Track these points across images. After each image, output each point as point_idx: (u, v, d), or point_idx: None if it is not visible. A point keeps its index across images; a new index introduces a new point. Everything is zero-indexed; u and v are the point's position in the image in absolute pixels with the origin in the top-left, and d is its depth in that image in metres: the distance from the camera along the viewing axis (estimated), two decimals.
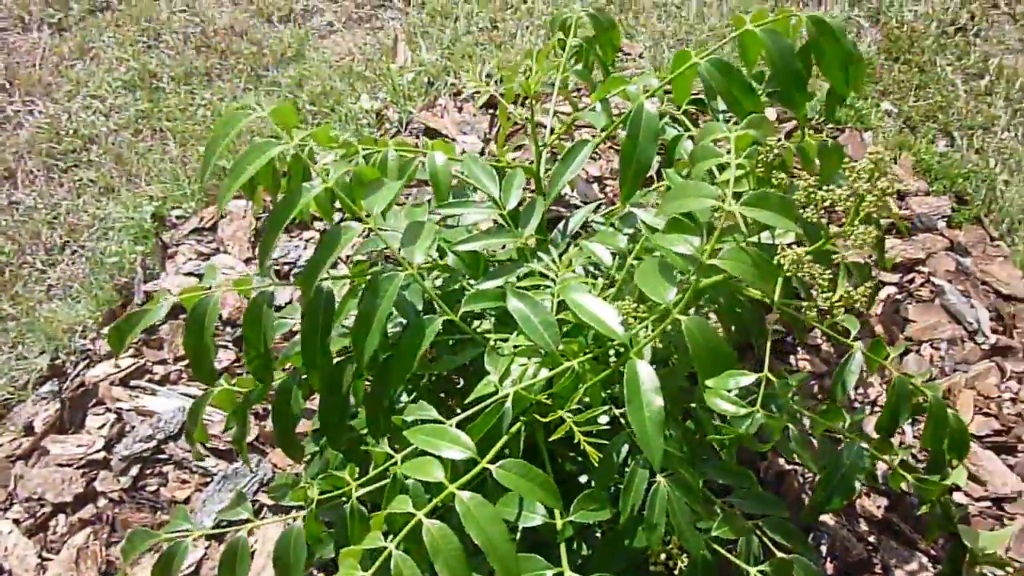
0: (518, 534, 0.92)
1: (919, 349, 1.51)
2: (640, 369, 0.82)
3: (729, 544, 0.97)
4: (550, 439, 0.86)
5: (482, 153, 1.87)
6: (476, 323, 1.09)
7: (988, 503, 1.31)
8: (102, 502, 1.39)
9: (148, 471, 1.42)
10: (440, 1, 2.29)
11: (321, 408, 1.01)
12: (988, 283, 1.58)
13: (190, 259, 1.72)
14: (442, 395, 1.13)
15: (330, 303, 0.92)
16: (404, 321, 0.99)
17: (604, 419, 0.92)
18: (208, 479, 1.40)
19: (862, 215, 0.85)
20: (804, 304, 0.92)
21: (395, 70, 2.09)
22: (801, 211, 0.89)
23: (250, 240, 1.74)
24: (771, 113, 1.89)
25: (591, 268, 1.10)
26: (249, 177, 0.87)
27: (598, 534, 1.02)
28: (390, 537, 0.74)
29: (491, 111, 1.97)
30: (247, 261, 1.70)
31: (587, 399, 0.89)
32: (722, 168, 0.87)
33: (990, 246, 1.65)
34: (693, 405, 1.03)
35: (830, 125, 1.88)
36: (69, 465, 1.42)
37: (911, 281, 1.60)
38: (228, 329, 1.59)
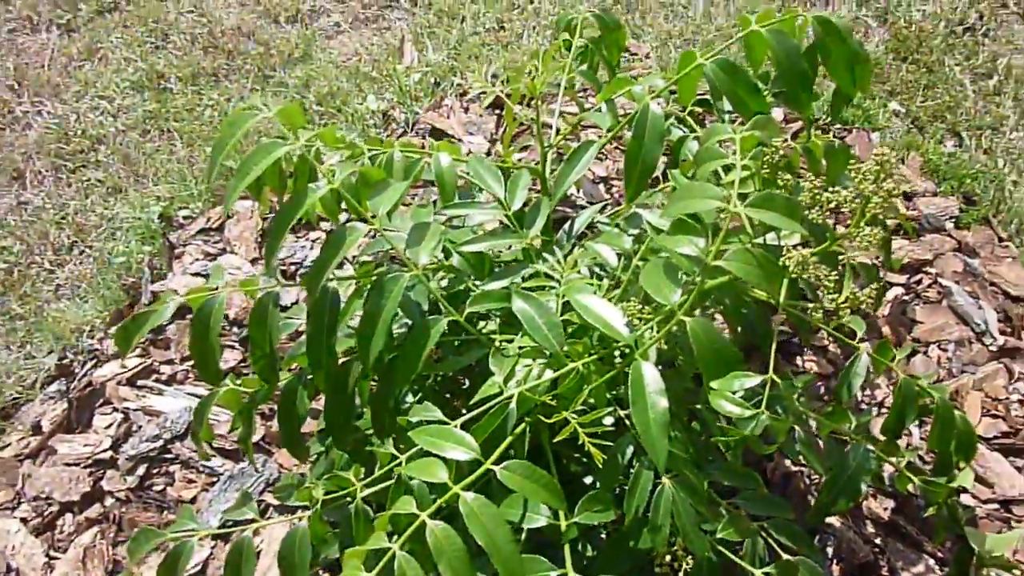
0: (523, 535, 0.92)
1: (926, 350, 1.50)
2: (645, 371, 0.81)
3: (734, 546, 0.97)
4: (554, 440, 0.86)
5: (488, 153, 1.88)
6: (481, 324, 1.09)
7: (996, 505, 1.30)
8: (109, 501, 1.39)
9: (155, 471, 1.43)
10: (447, 1, 2.29)
11: (327, 408, 1.01)
12: (996, 284, 1.58)
13: (197, 259, 1.73)
14: (448, 396, 1.14)
15: (336, 303, 0.92)
16: (410, 322, 0.99)
17: (609, 420, 0.92)
18: (214, 479, 1.40)
19: (868, 216, 0.84)
20: (810, 305, 0.92)
21: (401, 71, 2.10)
22: (807, 212, 0.88)
23: (257, 240, 1.75)
24: (777, 114, 1.88)
25: (596, 269, 1.10)
26: (255, 177, 0.87)
27: (603, 535, 1.02)
28: (394, 538, 0.74)
29: (497, 111, 1.98)
30: (253, 261, 1.71)
31: (592, 400, 0.89)
32: (728, 169, 0.86)
33: (998, 247, 1.65)
34: (699, 406, 1.03)
35: (837, 125, 1.88)
36: (76, 464, 1.42)
37: (918, 282, 1.59)
38: (235, 329, 1.60)
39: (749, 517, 1.00)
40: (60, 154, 2.00)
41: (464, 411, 0.88)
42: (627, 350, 0.90)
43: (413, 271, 0.89)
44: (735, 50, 1.87)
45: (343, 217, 1.05)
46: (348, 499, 0.88)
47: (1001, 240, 1.66)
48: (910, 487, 1.05)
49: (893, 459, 1.05)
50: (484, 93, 1.95)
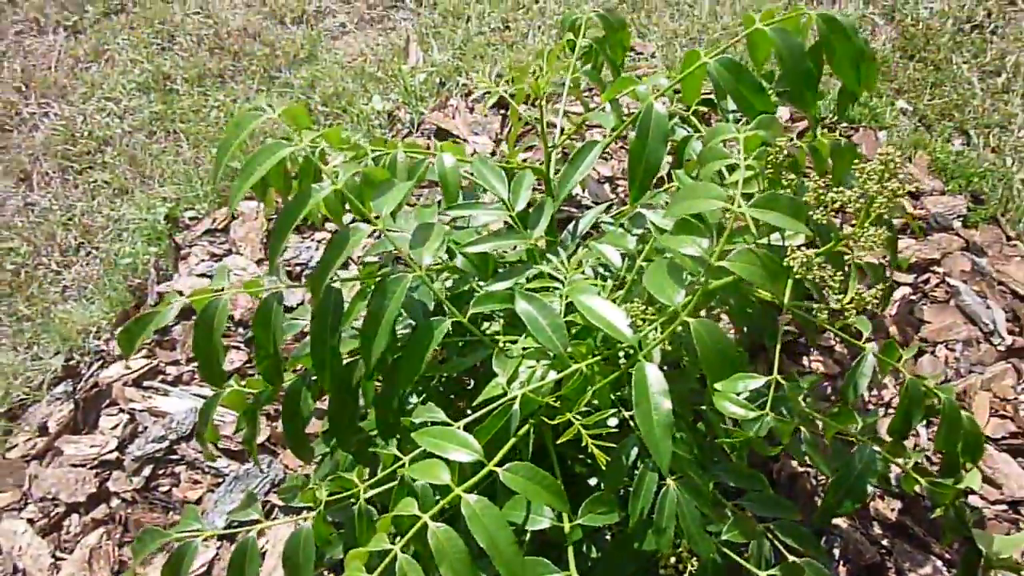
0: (527, 536, 0.91)
1: (934, 350, 1.49)
2: (648, 372, 0.81)
3: (740, 547, 0.96)
4: (558, 442, 0.86)
5: (493, 154, 1.87)
6: (486, 325, 1.08)
7: (1004, 506, 1.29)
8: (115, 502, 1.40)
9: (160, 471, 1.43)
10: (452, 1, 2.29)
11: (330, 409, 1.01)
12: (1004, 283, 1.56)
13: (203, 260, 1.73)
14: (452, 397, 1.13)
15: (339, 304, 0.92)
16: (414, 323, 0.99)
17: (613, 422, 0.92)
18: (220, 480, 1.41)
19: (873, 216, 0.84)
20: (815, 306, 0.92)
21: (407, 71, 2.10)
22: (811, 212, 0.88)
23: (262, 241, 1.75)
24: (784, 113, 1.88)
25: (600, 270, 1.09)
26: (260, 178, 0.87)
27: (607, 537, 1.02)
28: (397, 539, 0.74)
29: (502, 112, 1.97)
30: (259, 262, 1.71)
31: (596, 401, 0.88)
32: (731, 169, 0.86)
33: (1007, 246, 1.63)
34: (703, 407, 1.02)
35: (844, 124, 1.87)
36: (82, 465, 1.43)
37: (926, 281, 1.58)
38: (240, 330, 1.60)
39: (755, 518, 0.99)
40: (67, 155, 2.00)
41: (468, 412, 0.88)
42: (631, 351, 0.90)
43: (416, 272, 0.89)
44: (740, 49, 1.86)
45: (347, 218, 1.05)
46: (352, 500, 0.88)
47: (1009, 239, 1.65)
48: (917, 488, 1.05)
49: (900, 460, 1.04)
50: (489, 93, 1.95)
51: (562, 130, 1.34)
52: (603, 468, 0.84)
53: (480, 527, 0.73)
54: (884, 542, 1.26)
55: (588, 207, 1.70)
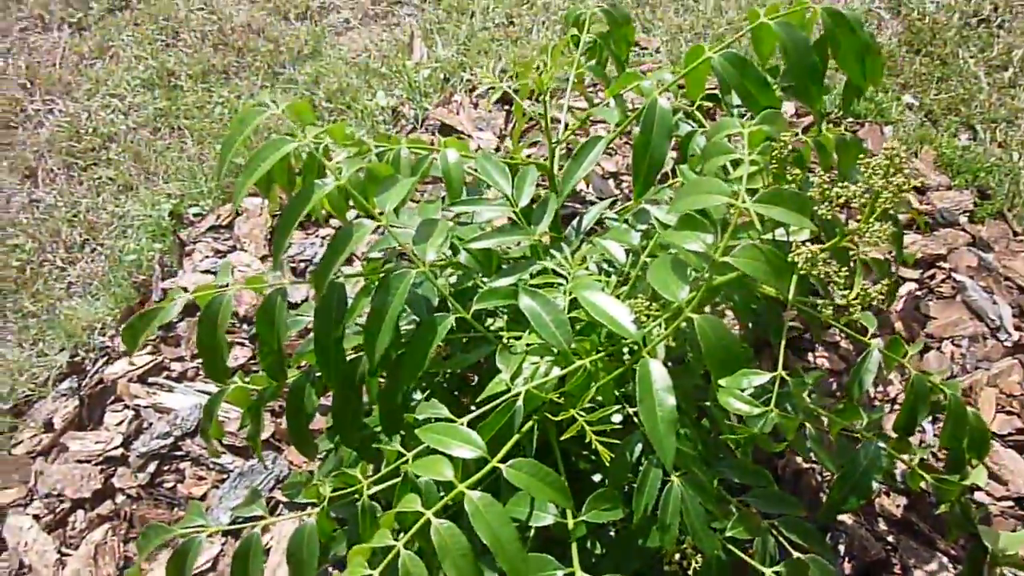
0: (531, 533, 0.91)
1: (940, 346, 1.48)
2: (652, 368, 0.81)
3: (744, 544, 0.96)
4: (562, 438, 0.86)
5: (498, 149, 1.87)
6: (489, 321, 1.08)
7: (1010, 503, 1.29)
8: (120, 498, 1.40)
9: (165, 468, 1.43)
10: None
11: (334, 405, 1.01)
12: (1011, 279, 1.56)
13: (207, 256, 1.73)
14: (456, 393, 1.13)
15: (343, 300, 0.92)
16: (417, 319, 0.99)
17: (617, 418, 0.92)
18: (225, 476, 1.41)
19: (878, 212, 0.83)
20: (820, 302, 0.91)
21: (411, 67, 2.09)
22: (816, 208, 0.87)
23: (266, 238, 1.75)
24: (789, 108, 1.87)
25: (605, 265, 1.09)
26: (264, 173, 0.87)
27: (612, 533, 1.01)
28: (400, 536, 0.74)
29: (507, 107, 1.97)
30: (263, 259, 1.71)
31: (600, 398, 0.88)
32: (736, 164, 0.85)
33: (1013, 241, 1.63)
34: (708, 404, 1.02)
35: (850, 119, 1.86)
36: (88, 461, 1.43)
37: (932, 277, 1.57)
38: (244, 326, 1.60)
39: (760, 515, 0.99)
40: (72, 152, 2.00)
41: (472, 408, 0.88)
42: (635, 347, 0.90)
43: (420, 268, 0.89)
44: (744, 44, 1.85)
45: (352, 214, 1.05)
46: (355, 496, 0.88)
47: (1016, 234, 1.64)
48: (923, 485, 1.04)
49: (905, 456, 1.04)
50: (492, 89, 1.95)
51: (566, 126, 1.33)
52: (607, 464, 0.84)
53: (483, 523, 0.73)
54: (889, 538, 1.26)
55: (592, 203, 1.70)
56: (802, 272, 0.82)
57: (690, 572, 0.90)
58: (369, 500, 0.88)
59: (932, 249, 1.60)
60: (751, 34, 0.98)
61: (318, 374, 1.02)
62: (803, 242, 0.83)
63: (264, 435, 1.42)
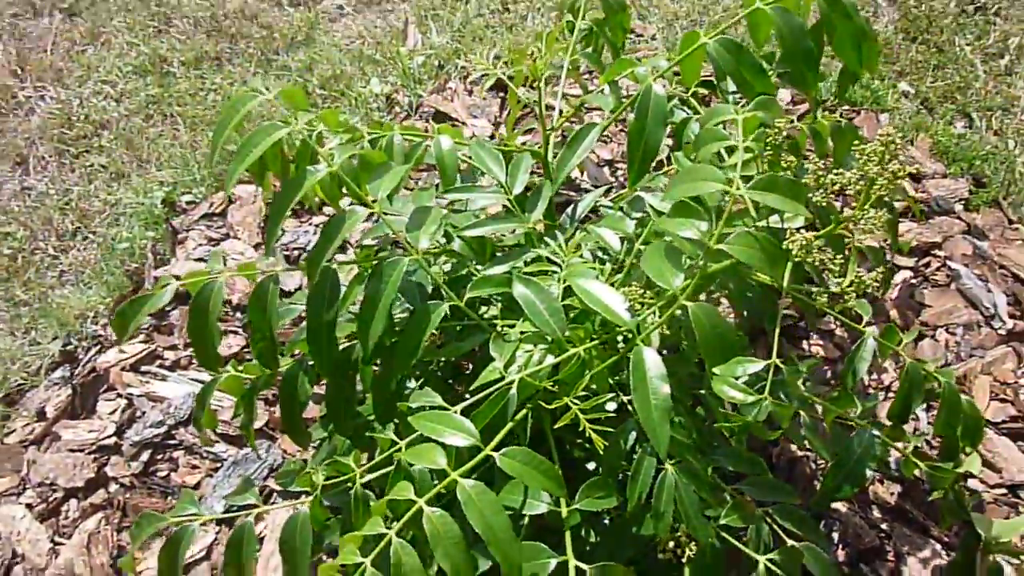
0: (525, 521, 0.91)
1: (934, 334, 1.48)
2: (646, 356, 0.80)
3: (738, 532, 0.96)
4: (556, 426, 0.85)
5: (492, 137, 1.86)
6: (484, 309, 1.08)
7: (1003, 490, 1.29)
8: (113, 487, 1.40)
9: (159, 456, 1.43)
10: None
11: (328, 393, 1.01)
12: (1006, 267, 1.56)
13: (200, 244, 1.72)
14: (450, 381, 1.13)
15: (336, 287, 0.91)
16: (411, 307, 0.98)
17: (611, 406, 0.91)
18: (218, 464, 1.41)
19: (873, 199, 0.83)
20: (815, 289, 0.91)
21: (405, 53, 2.08)
22: (811, 194, 0.87)
23: (259, 225, 1.74)
24: (786, 95, 1.86)
25: (599, 253, 1.09)
26: (255, 159, 0.87)
27: (606, 521, 1.01)
28: (392, 524, 0.74)
29: (502, 94, 1.96)
30: (257, 246, 1.70)
31: (594, 386, 0.88)
32: (730, 151, 0.85)
33: (1008, 229, 1.63)
34: (703, 391, 1.02)
35: (846, 107, 1.86)
36: (80, 450, 1.43)
37: (927, 265, 1.57)
38: (238, 315, 1.59)
39: (754, 503, 0.99)
40: (63, 139, 1.99)
41: (467, 397, 0.88)
42: (629, 335, 0.89)
43: (413, 255, 0.89)
44: (740, 31, 1.84)
45: (346, 202, 1.04)
46: (348, 485, 0.88)
47: (1011, 222, 1.64)
48: (916, 472, 1.04)
49: (899, 444, 1.03)
50: (486, 75, 1.93)
51: (561, 113, 1.32)
52: (601, 453, 0.84)
53: (476, 512, 0.73)
54: (883, 526, 1.26)
55: (587, 190, 1.69)
56: (797, 260, 0.82)
57: (684, 560, 0.90)
58: (362, 488, 0.87)
59: (927, 237, 1.60)
60: (747, 20, 0.98)
61: (311, 362, 1.01)
62: (798, 229, 0.83)
63: (258, 424, 1.42)
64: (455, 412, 0.84)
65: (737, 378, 0.83)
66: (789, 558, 0.94)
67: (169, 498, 1.38)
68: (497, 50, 2.06)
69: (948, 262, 1.56)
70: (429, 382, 1.08)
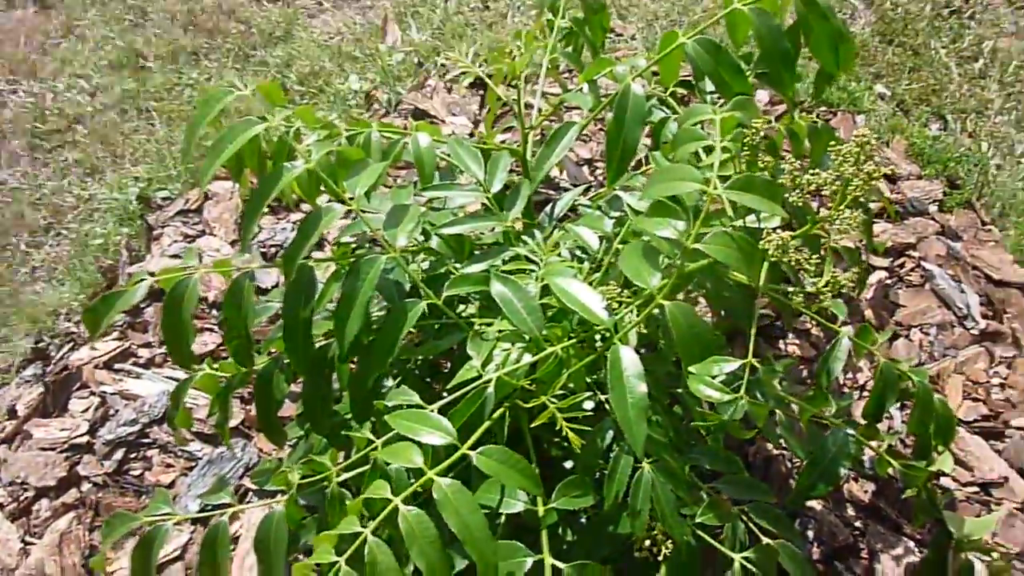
0: (502, 519, 0.91)
1: (908, 334, 1.50)
2: (623, 355, 0.81)
3: (714, 530, 0.97)
4: (533, 425, 0.85)
5: (472, 135, 1.86)
6: (462, 307, 1.07)
7: (975, 488, 1.31)
8: (85, 486, 1.38)
9: (132, 455, 1.41)
10: None
11: (304, 392, 1.00)
12: (979, 268, 1.58)
13: (176, 241, 1.70)
14: (428, 380, 1.12)
15: (312, 284, 0.91)
16: (389, 305, 0.98)
17: (588, 405, 0.91)
18: (193, 463, 1.39)
19: (848, 199, 0.84)
20: (791, 289, 0.91)
21: (384, 50, 2.07)
22: (787, 195, 0.87)
23: (236, 222, 1.73)
24: (764, 96, 1.87)
25: (578, 252, 1.09)
26: (230, 155, 0.86)
27: (583, 520, 1.01)
28: (368, 523, 0.73)
29: (481, 92, 1.95)
30: (233, 243, 1.69)
31: (571, 384, 0.88)
32: (708, 151, 0.85)
33: (981, 231, 1.65)
34: (680, 390, 1.02)
35: (823, 108, 1.87)
36: (52, 449, 1.41)
37: (902, 265, 1.59)
38: (214, 312, 1.58)
39: (730, 501, 0.99)
40: (36, 133, 1.96)
41: (445, 395, 0.88)
42: (607, 334, 0.89)
43: (391, 253, 0.88)
44: (720, 31, 1.85)
45: (324, 199, 1.04)
46: (325, 484, 0.87)
47: (984, 224, 1.66)
48: (890, 471, 1.05)
49: (874, 443, 1.04)
50: (465, 73, 1.93)
51: (540, 111, 1.32)
52: (578, 451, 0.84)
53: (452, 511, 0.73)
54: (857, 524, 1.27)
55: (566, 189, 1.69)
56: (773, 259, 0.82)
57: (660, 558, 0.90)
58: (338, 487, 0.87)
59: (902, 238, 1.61)
60: (725, 20, 0.98)
61: (287, 361, 1.00)
62: (774, 229, 0.83)
63: (233, 422, 1.41)
64: (432, 411, 0.83)
65: (714, 377, 0.84)
66: (764, 556, 0.94)
67: (143, 497, 1.37)
68: (477, 48, 2.06)
69: (922, 263, 1.58)
70: (406, 380, 1.08)
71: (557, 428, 0.82)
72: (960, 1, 2.11)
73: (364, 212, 0.90)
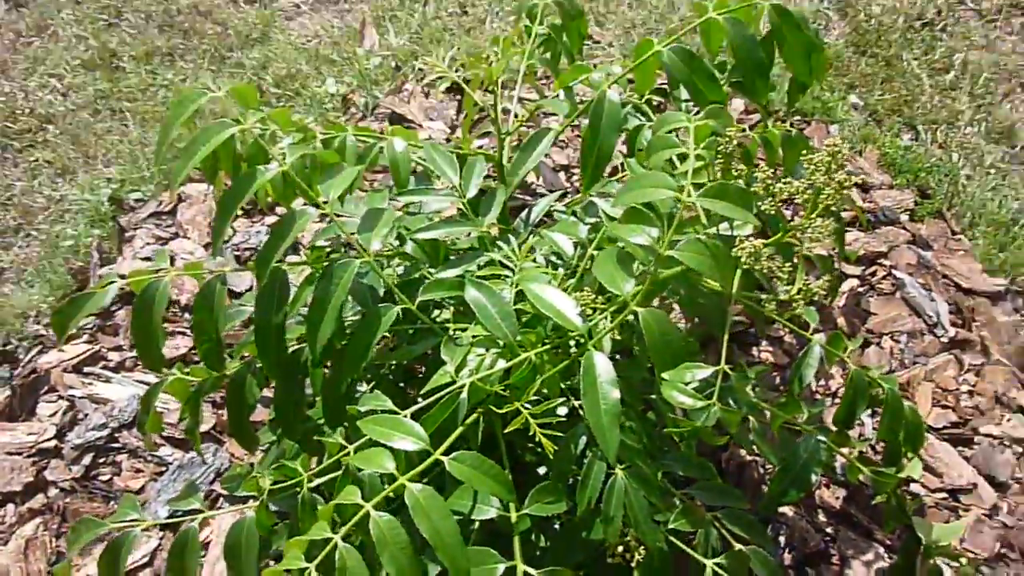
0: (475, 526, 0.91)
1: (879, 341, 1.52)
2: (597, 361, 0.81)
3: (687, 536, 0.97)
4: (506, 431, 0.85)
5: (449, 140, 1.85)
6: (436, 312, 1.07)
7: (944, 495, 1.32)
8: (53, 492, 1.36)
9: (101, 460, 1.39)
10: None
11: (276, 396, 0.99)
12: (949, 277, 1.60)
13: (148, 243, 1.69)
14: (402, 385, 1.12)
15: (285, 288, 0.90)
16: (363, 309, 0.97)
17: (562, 410, 0.91)
18: (163, 468, 1.37)
19: (820, 208, 0.84)
20: (764, 296, 0.92)
21: (362, 54, 2.06)
22: (760, 203, 0.88)
23: (210, 225, 1.71)
24: (739, 105, 1.89)
25: (553, 258, 1.09)
26: (204, 157, 0.85)
27: (556, 526, 1.01)
28: (339, 529, 0.73)
29: (459, 97, 1.95)
30: (207, 246, 1.67)
31: (545, 390, 0.88)
32: (682, 158, 0.86)
33: (951, 240, 1.67)
34: (654, 397, 1.02)
35: (797, 117, 1.89)
36: (19, 453, 1.38)
37: (873, 274, 1.61)
38: (186, 315, 1.56)
39: (703, 507, 1.00)
40: (6, 133, 1.93)
41: (419, 400, 0.87)
42: (581, 340, 0.89)
43: (365, 257, 0.88)
44: (695, 40, 1.87)
45: (299, 203, 1.03)
46: (296, 489, 0.87)
47: (954, 233, 1.69)
48: (861, 477, 1.06)
49: (845, 449, 1.05)
50: (442, 77, 1.93)
51: (516, 117, 1.32)
52: (551, 457, 0.84)
53: (424, 517, 0.72)
54: (828, 529, 1.28)
55: (542, 195, 1.70)
56: (746, 267, 0.83)
57: (633, 564, 0.90)
58: (310, 493, 0.86)
59: (874, 246, 1.63)
60: (700, 28, 0.99)
61: (260, 365, 1.00)
62: (747, 237, 0.84)
63: (205, 427, 1.39)
64: (405, 416, 0.83)
65: (687, 383, 0.84)
66: (736, 562, 0.95)
67: (111, 503, 1.35)
68: (455, 53, 2.06)
69: (893, 271, 1.60)
70: (380, 386, 1.07)
71: (531, 434, 0.82)
72: (932, 14, 2.15)
73: (338, 216, 0.90)
